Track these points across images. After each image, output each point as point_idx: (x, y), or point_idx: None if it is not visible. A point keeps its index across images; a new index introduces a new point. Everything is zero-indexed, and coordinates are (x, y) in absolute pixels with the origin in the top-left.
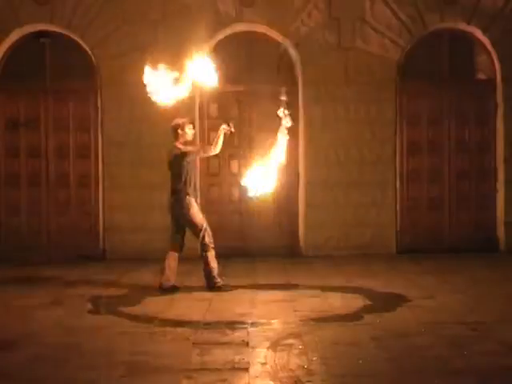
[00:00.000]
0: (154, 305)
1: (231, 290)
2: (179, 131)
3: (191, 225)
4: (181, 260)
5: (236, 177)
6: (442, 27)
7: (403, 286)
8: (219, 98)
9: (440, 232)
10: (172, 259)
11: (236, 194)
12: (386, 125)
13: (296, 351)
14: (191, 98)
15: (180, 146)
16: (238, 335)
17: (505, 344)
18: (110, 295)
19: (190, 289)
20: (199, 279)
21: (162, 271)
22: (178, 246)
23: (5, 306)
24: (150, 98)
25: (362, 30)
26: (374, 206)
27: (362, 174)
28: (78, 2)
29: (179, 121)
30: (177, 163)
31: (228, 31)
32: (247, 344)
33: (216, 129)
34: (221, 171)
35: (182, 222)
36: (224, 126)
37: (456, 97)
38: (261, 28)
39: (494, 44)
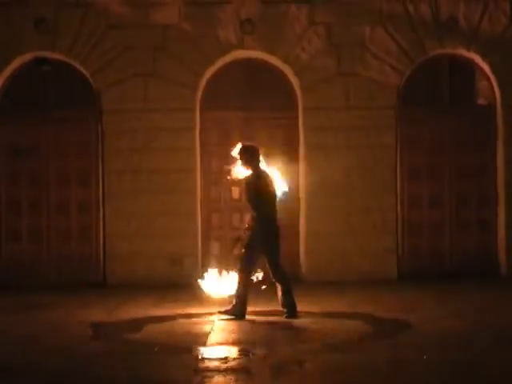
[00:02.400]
0: (154, 331)
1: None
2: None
3: None
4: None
5: (237, 202)
6: (442, 53)
7: (405, 311)
8: (220, 124)
9: (441, 257)
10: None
11: (236, 219)
12: (387, 150)
13: (297, 378)
14: (191, 125)
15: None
16: (240, 362)
17: (506, 370)
18: (111, 322)
19: (190, 316)
20: (200, 306)
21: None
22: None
23: (5, 332)
24: (150, 125)
25: (361, 56)
26: (374, 231)
27: (362, 199)
28: (78, 29)
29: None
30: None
31: (228, 58)
32: (248, 371)
33: (216, 155)
34: (222, 197)
35: None
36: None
37: (456, 122)
38: (261, 55)
39: (493, 70)
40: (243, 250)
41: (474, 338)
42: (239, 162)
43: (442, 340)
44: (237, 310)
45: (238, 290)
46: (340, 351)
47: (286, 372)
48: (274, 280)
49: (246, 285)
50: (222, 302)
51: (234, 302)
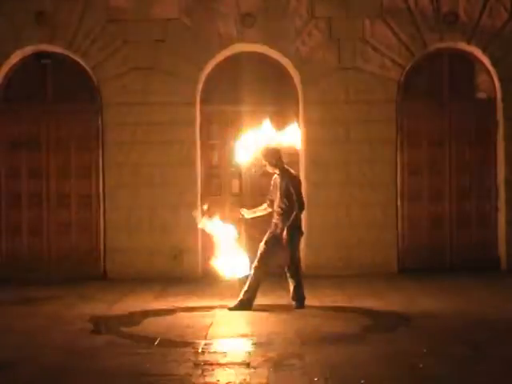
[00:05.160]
0: (154, 325)
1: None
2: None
3: None
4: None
5: (237, 197)
6: (442, 47)
7: (405, 305)
8: (220, 118)
9: (441, 251)
10: None
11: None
12: (387, 144)
13: (297, 372)
14: (191, 119)
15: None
16: (240, 355)
17: (506, 364)
18: (111, 315)
19: (190, 309)
20: (200, 299)
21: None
22: None
23: (5, 326)
24: (150, 119)
25: (362, 50)
26: (375, 225)
27: (363, 193)
28: (79, 22)
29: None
30: None
31: (229, 51)
32: (248, 364)
33: (216, 148)
34: (222, 191)
35: None
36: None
37: (456, 116)
38: (261, 48)
39: (493, 63)
40: (263, 246)
41: (473, 332)
42: (265, 163)
43: (442, 333)
44: (245, 303)
45: (250, 283)
46: (340, 344)
47: (286, 365)
48: (287, 273)
49: (259, 279)
50: (222, 295)
51: (242, 295)
